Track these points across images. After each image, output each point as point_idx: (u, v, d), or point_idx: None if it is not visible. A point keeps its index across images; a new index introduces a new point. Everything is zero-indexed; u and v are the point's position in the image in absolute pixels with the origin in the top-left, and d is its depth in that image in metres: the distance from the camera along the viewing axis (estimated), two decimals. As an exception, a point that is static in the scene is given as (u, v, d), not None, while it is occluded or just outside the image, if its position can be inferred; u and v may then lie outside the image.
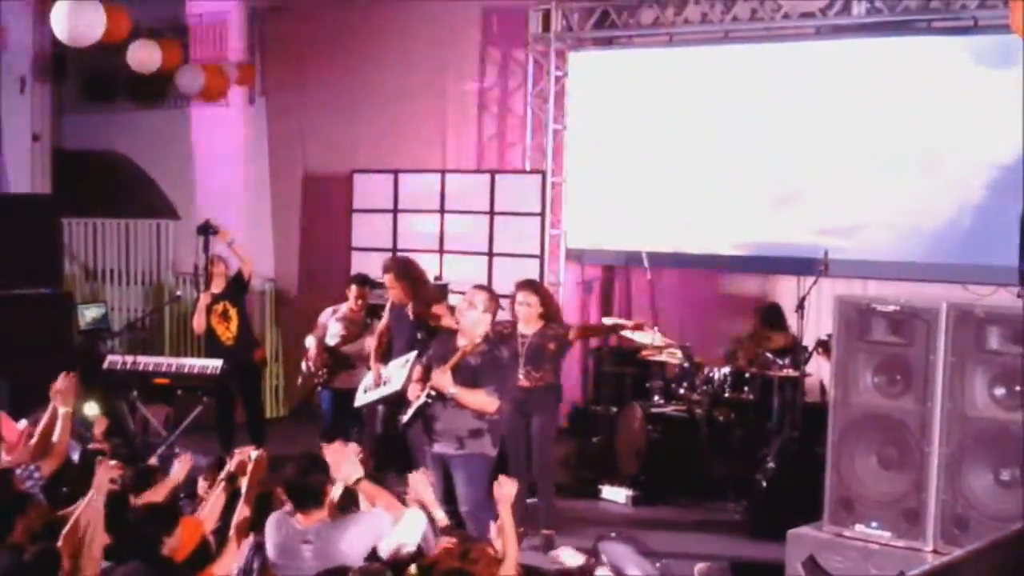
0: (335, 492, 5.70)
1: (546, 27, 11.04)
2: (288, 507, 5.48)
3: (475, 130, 11.67)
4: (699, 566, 6.69)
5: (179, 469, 6.45)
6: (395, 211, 11.38)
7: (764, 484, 8.21)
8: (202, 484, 6.45)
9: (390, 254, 10.45)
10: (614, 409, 9.71)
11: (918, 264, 9.25)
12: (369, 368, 8.66)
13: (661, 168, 10.51)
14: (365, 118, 11.99)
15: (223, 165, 12.81)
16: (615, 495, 9.07)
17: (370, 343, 8.85)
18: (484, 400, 6.68)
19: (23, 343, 9.87)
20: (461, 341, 6.78)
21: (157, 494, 6.16)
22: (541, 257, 10.60)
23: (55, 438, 6.50)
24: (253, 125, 12.80)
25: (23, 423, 7.12)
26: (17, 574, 5.17)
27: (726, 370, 9.10)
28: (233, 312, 9.75)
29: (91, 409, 8.26)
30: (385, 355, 8.57)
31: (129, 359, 9.92)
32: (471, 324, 6.78)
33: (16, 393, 9.04)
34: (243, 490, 5.72)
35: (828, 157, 9.70)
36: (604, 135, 10.90)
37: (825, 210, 9.73)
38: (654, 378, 9.56)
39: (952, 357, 6.21)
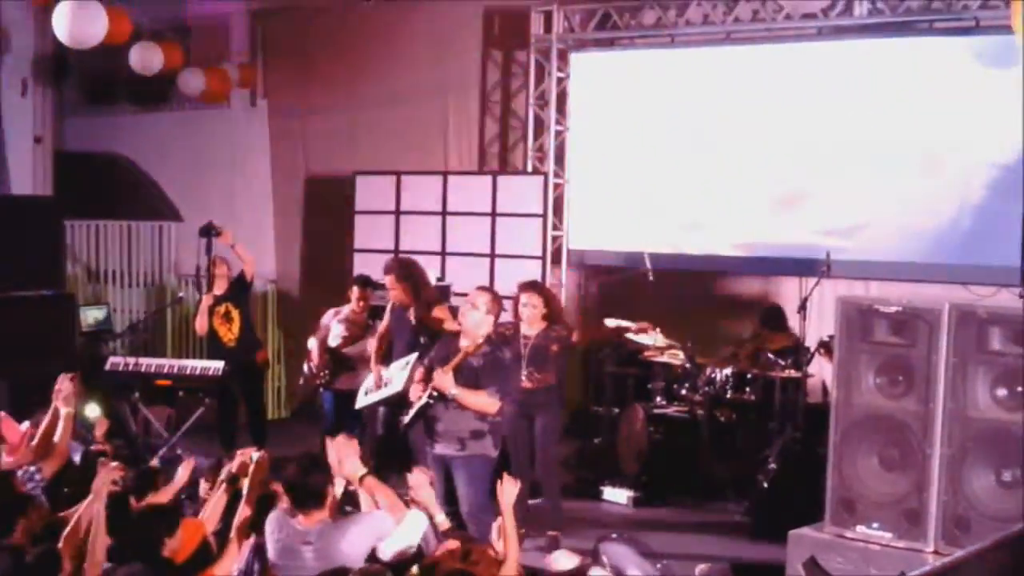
0: (338, 487, 5.70)
1: (548, 28, 11.04)
2: (285, 503, 5.48)
3: (477, 131, 11.67)
4: (700, 567, 6.68)
5: (183, 473, 6.44)
6: (397, 213, 11.38)
7: (765, 485, 8.21)
8: (204, 485, 6.45)
9: (392, 256, 10.45)
10: (616, 410, 9.72)
11: (920, 265, 9.24)
12: (370, 370, 8.65)
13: (663, 169, 10.51)
14: (367, 120, 11.99)
15: (225, 167, 12.83)
16: (616, 496, 9.07)
17: (372, 345, 8.84)
18: (486, 401, 6.68)
19: (25, 344, 9.89)
20: (463, 342, 6.79)
21: (162, 498, 6.16)
22: (543, 258, 10.60)
23: (56, 439, 6.51)
24: (255, 127, 12.81)
25: (26, 425, 7.13)
26: (19, 575, 5.18)
27: (728, 371, 9.10)
28: (235, 313, 9.75)
29: (92, 410, 8.27)
30: (386, 357, 8.56)
31: (131, 360, 9.93)
32: (473, 325, 6.78)
33: (17, 394, 9.06)
34: (244, 491, 5.72)
35: (830, 158, 9.69)
36: (606, 136, 10.90)
37: (827, 211, 9.73)
38: (656, 379, 9.56)
39: (954, 358, 6.22)
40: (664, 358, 9.33)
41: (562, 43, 10.99)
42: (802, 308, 8.73)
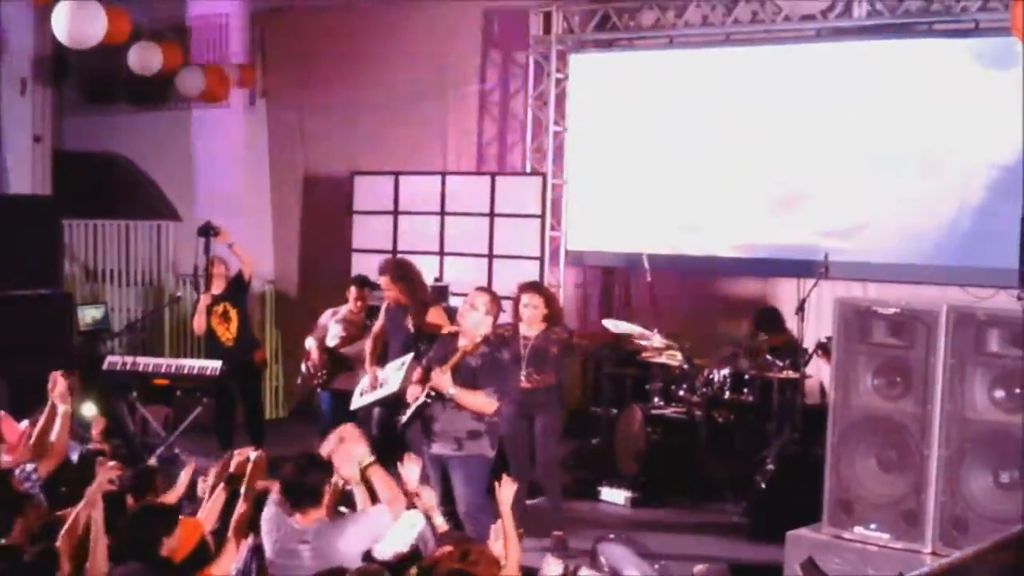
0: (349, 469, 5.65)
1: (547, 29, 11.04)
2: (276, 495, 5.47)
3: (476, 132, 11.67)
4: (698, 568, 6.68)
5: (184, 478, 6.42)
6: (395, 213, 11.39)
7: (763, 486, 8.21)
8: (201, 485, 6.44)
9: (390, 256, 10.46)
10: (614, 411, 9.71)
11: (918, 266, 9.25)
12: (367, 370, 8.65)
13: (661, 170, 10.51)
14: (366, 120, 11.99)
15: (223, 167, 12.81)
16: (614, 496, 9.07)
17: (367, 345, 8.83)
18: (483, 401, 6.68)
19: (23, 343, 9.88)
20: (462, 342, 6.79)
21: (166, 501, 6.16)
22: (541, 259, 10.60)
23: (53, 437, 6.51)
24: (253, 127, 12.80)
25: (24, 423, 7.12)
26: (17, 574, 5.17)
27: (726, 372, 9.11)
28: (233, 313, 9.75)
29: (89, 410, 8.27)
30: (381, 358, 8.56)
31: (129, 360, 9.92)
32: (472, 326, 6.78)
33: (16, 393, 9.05)
34: (242, 491, 5.72)
35: (829, 159, 9.70)
36: (605, 137, 10.90)
37: (825, 212, 9.73)
38: (654, 380, 9.56)
39: (952, 359, 6.22)
40: (662, 359, 9.33)
41: (561, 44, 10.99)
42: (800, 309, 8.74)
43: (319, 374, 9.40)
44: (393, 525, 5.44)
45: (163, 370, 9.78)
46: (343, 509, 5.76)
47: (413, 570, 5.08)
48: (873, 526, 6.44)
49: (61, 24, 9.95)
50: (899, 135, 9.35)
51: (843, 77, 9.63)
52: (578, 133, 11.04)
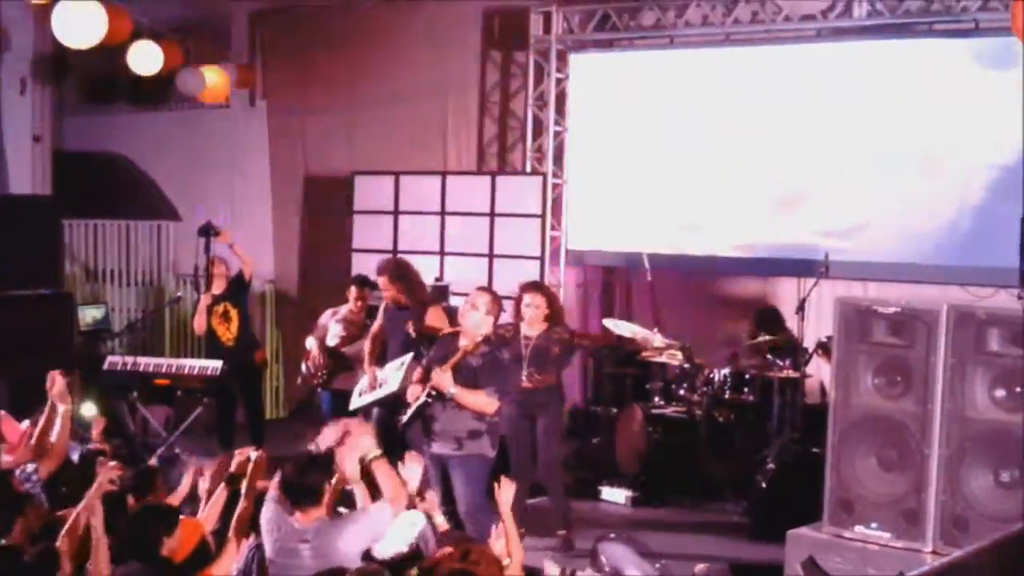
0: (347, 466, 5.65)
1: (547, 29, 11.04)
2: (274, 492, 5.47)
3: (476, 132, 11.66)
4: (699, 567, 6.69)
5: (186, 482, 6.42)
6: (396, 212, 11.38)
7: (764, 485, 8.21)
8: (202, 485, 6.44)
9: (390, 255, 10.46)
10: (614, 410, 9.71)
11: (918, 266, 9.25)
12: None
13: (662, 170, 10.51)
14: (366, 120, 11.99)
15: (224, 167, 12.82)
16: (615, 496, 9.08)
17: (366, 346, 8.82)
18: (484, 401, 6.69)
19: (24, 343, 9.88)
20: (463, 342, 6.79)
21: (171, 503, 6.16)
22: (541, 259, 10.59)
23: (53, 438, 6.51)
24: (254, 127, 12.81)
25: (25, 424, 7.12)
26: (17, 574, 5.17)
27: (726, 371, 9.11)
28: (234, 313, 9.75)
29: (88, 410, 8.27)
30: (380, 358, 8.55)
31: (129, 360, 9.92)
32: (473, 326, 6.78)
33: (16, 393, 9.05)
34: (243, 491, 5.72)
35: (829, 159, 9.70)
36: (605, 137, 10.90)
37: (826, 212, 9.73)
38: (654, 379, 9.56)
39: (952, 359, 6.22)
40: (663, 358, 9.33)
41: (561, 44, 10.99)
42: (800, 309, 8.74)
43: (319, 374, 9.40)
44: (393, 523, 5.44)
45: (163, 370, 9.78)
46: (342, 510, 5.75)
47: (414, 571, 5.08)
48: (874, 525, 6.44)
49: (61, 24, 9.95)
50: (899, 135, 9.35)
51: (843, 77, 9.63)
52: (578, 133, 11.04)
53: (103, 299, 12.61)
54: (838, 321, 6.65)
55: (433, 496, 5.99)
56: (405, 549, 5.34)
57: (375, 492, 5.66)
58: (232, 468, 5.96)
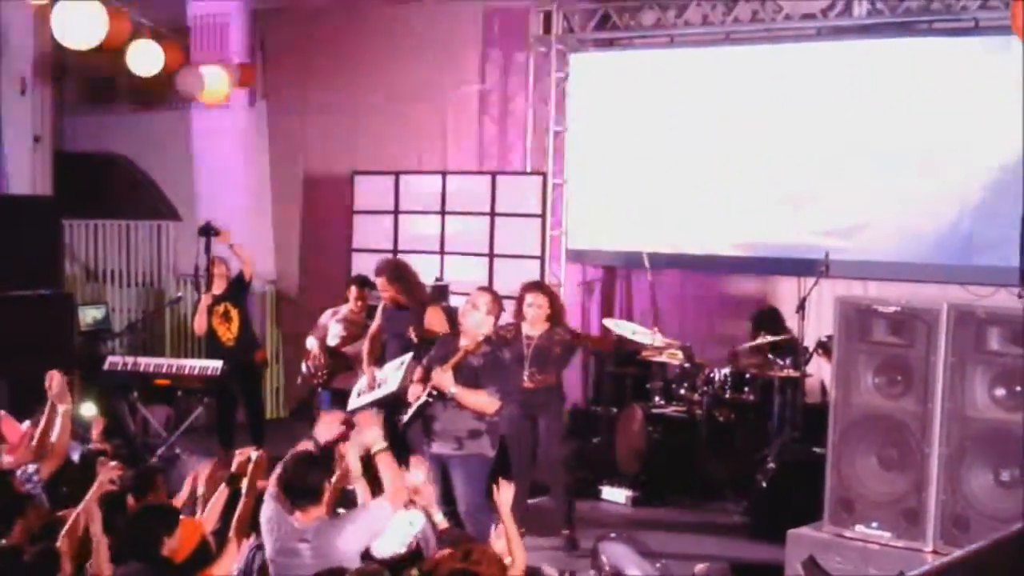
0: (351, 458, 5.65)
1: (547, 29, 11.03)
2: (273, 489, 5.47)
3: (476, 131, 11.66)
4: (699, 567, 6.69)
5: (186, 489, 6.40)
6: (396, 212, 11.39)
7: (764, 485, 8.21)
8: (199, 489, 6.44)
9: (388, 256, 10.46)
10: (614, 410, 9.71)
11: (918, 265, 9.24)
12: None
13: (662, 169, 10.51)
14: (366, 119, 11.99)
15: (224, 167, 12.81)
16: (615, 496, 9.08)
17: (364, 346, 8.79)
18: (485, 401, 6.69)
19: (24, 343, 9.88)
20: (463, 342, 6.79)
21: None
22: (542, 258, 10.60)
23: (54, 438, 6.51)
24: (254, 127, 12.80)
25: (26, 424, 7.13)
26: (18, 574, 5.17)
27: (726, 371, 9.11)
28: (234, 313, 9.76)
29: (88, 410, 8.27)
30: (379, 358, 8.54)
31: (129, 360, 9.94)
32: (474, 326, 6.78)
33: (16, 393, 9.05)
34: (243, 491, 5.72)
35: (829, 158, 9.69)
36: (605, 136, 10.90)
37: (826, 211, 9.73)
38: (654, 379, 9.56)
39: (952, 358, 6.22)
40: (663, 358, 9.33)
41: (561, 43, 10.98)
42: (801, 308, 8.74)
43: (320, 374, 9.40)
44: (392, 521, 5.44)
45: (164, 370, 9.79)
46: (341, 511, 5.76)
47: (414, 571, 5.08)
48: (874, 524, 6.44)
49: (61, 24, 9.95)
50: (899, 134, 9.35)
51: (843, 76, 9.63)
52: (578, 132, 11.03)
53: (103, 299, 12.60)
54: (838, 320, 6.65)
55: (430, 490, 5.98)
56: (403, 549, 5.34)
57: (376, 489, 5.67)
58: (232, 468, 5.96)
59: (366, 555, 5.31)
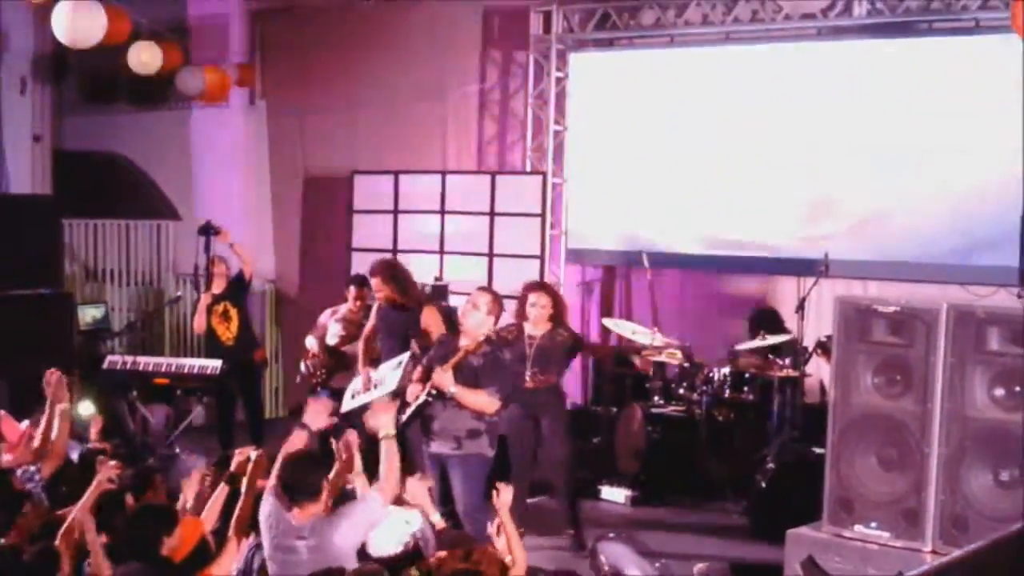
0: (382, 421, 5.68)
1: (547, 28, 11.04)
2: (273, 486, 5.48)
3: (476, 131, 11.66)
4: (698, 566, 6.68)
5: (187, 494, 6.38)
6: (395, 212, 11.38)
7: (763, 484, 8.20)
8: (206, 480, 6.44)
9: (389, 255, 10.46)
10: (614, 409, 9.71)
11: (918, 265, 9.24)
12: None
13: (661, 169, 10.50)
14: (366, 119, 11.99)
15: (223, 166, 12.82)
16: (614, 495, 9.08)
17: (359, 347, 8.76)
18: (485, 401, 6.68)
19: (23, 343, 9.88)
20: (463, 342, 6.78)
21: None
22: (541, 258, 10.59)
23: (53, 437, 6.51)
24: (253, 126, 12.81)
25: (25, 423, 7.13)
26: (17, 574, 5.18)
27: (726, 370, 9.11)
28: (233, 312, 9.76)
29: (86, 409, 8.27)
30: (374, 359, 8.52)
31: (129, 359, 9.94)
32: (474, 326, 6.77)
33: (16, 393, 9.06)
34: (243, 490, 5.72)
35: (829, 158, 9.69)
36: (605, 136, 10.90)
37: (826, 211, 9.73)
38: (654, 378, 9.56)
39: (952, 358, 6.22)
40: (662, 358, 9.33)
41: (561, 43, 10.98)
42: (800, 308, 8.74)
43: (319, 373, 9.40)
44: (388, 518, 5.44)
45: (163, 369, 9.79)
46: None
47: (414, 570, 5.09)
48: (873, 524, 6.44)
49: (61, 24, 9.95)
50: (899, 134, 9.34)
51: (843, 76, 9.63)
52: (578, 132, 11.03)
53: (103, 299, 12.61)
54: (838, 320, 6.65)
55: (423, 489, 5.99)
56: (400, 549, 5.34)
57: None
58: (232, 467, 5.96)
59: (363, 555, 5.31)
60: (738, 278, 10.47)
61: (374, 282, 8.53)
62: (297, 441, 5.99)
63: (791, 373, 8.70)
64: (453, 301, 9.79)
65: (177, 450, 9.42)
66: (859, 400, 6.53)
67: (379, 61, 11.81)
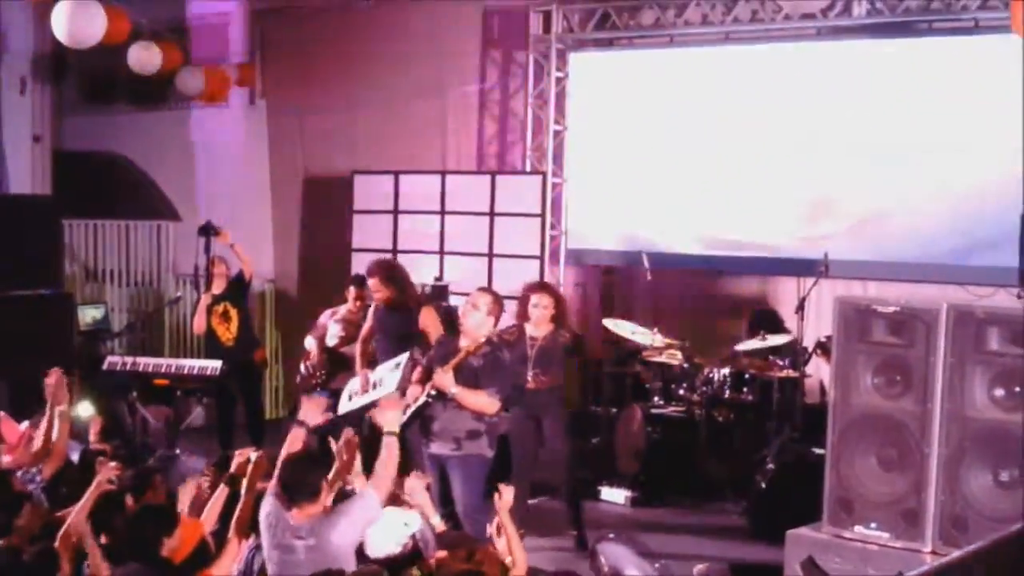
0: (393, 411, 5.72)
1: (547, 28, 11.04)
2: (274, 486, 5.48)
3: (475, 131, 11.66)
4: (698, 567, 6.67)
5: (183, 501, 6.37)
6: (395, 212, 11.38)
7: (763, 485, 8.20)
8: (202, 485, 6.44)
9: (389, 255, 10.46)
10: (613, 410, 9.71)
11: (918, 265, 9.25)
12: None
13: (661, 169, 10.51)
14: (365, 119, 11.99)
15: (223, 166, 12.82)
16: (614, 496, 9.07)
17: (356, 348, 8.75)
18: (485, 401, 6.67)
19: (23, 343, 9.88)
20: (463, 342, 6.78)
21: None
22: (541, 258, 10.59)
23: (54, 438, 6.51)
24: (253, 126, 12.81)
25: (25, 424, 7.12)
26: (16, 574, 5.18)
27: (726, 371, 9.11)
28: (233, 313, 9.75)
29: (86, 410, 8.26)
30: (372, 360, 8.51)
31: (129, 360, 9.91)
32: (474, 326, 6.77)
33: (16, 393, 9.06)
34: (243, 491, 5.72)
35: (828, 158, 9.70)
36: (605, 136, 10.90)
37: (825, 211, 9.73)
38: (654, 379, 9.55)
39: (952, 358, 6.22)
40: (662, 358, 9.33)
41: (561, 43, 10.99)
42: (800, 308, 8.74)
43: (318, 374, 9.39)
44: (386, 515, 5.44)
45: (163, 370, 9.77)
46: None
47: (415, 571, 5.09)
48: (873, 525, 6.44)
49: (61, 24, 9.95)
50: (899, 134, 9.35)
51: (843, 76, 9.64)
52: (578, 132, 11.04)
53: (103, 299, 12.61)
54: (837, 320, 6.65)
55: (424, 491, 5.99)
56: (398, 549, 5.34)
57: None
58: (232, 468, 5.96)
59: (362, 556, 5.31)
60: (738, 278, 10.48)
61: (371, 282, 8.53)
62: (297, 441, 6.00)
63: (791, 373, 8.70)
64: (453, 301, 9.79)
65: (177, 451, 9.41)
66: (859, 400, 6.52)
67: (379, 61, 11.81)
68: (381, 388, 7.97)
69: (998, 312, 6.27)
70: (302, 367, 9.59)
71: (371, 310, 8.68)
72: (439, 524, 5.84)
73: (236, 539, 5.56)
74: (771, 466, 8.25)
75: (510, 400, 7.14)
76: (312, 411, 6.16)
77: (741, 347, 9.18)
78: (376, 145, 11.86)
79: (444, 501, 6.69)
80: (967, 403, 6.19)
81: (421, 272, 10.34)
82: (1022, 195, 8.40)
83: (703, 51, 10.48)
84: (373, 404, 8.01)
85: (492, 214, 10.86)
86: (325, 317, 9.68)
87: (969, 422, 6.18)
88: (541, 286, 8.22)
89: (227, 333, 9.73)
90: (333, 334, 9.48)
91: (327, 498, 5.54)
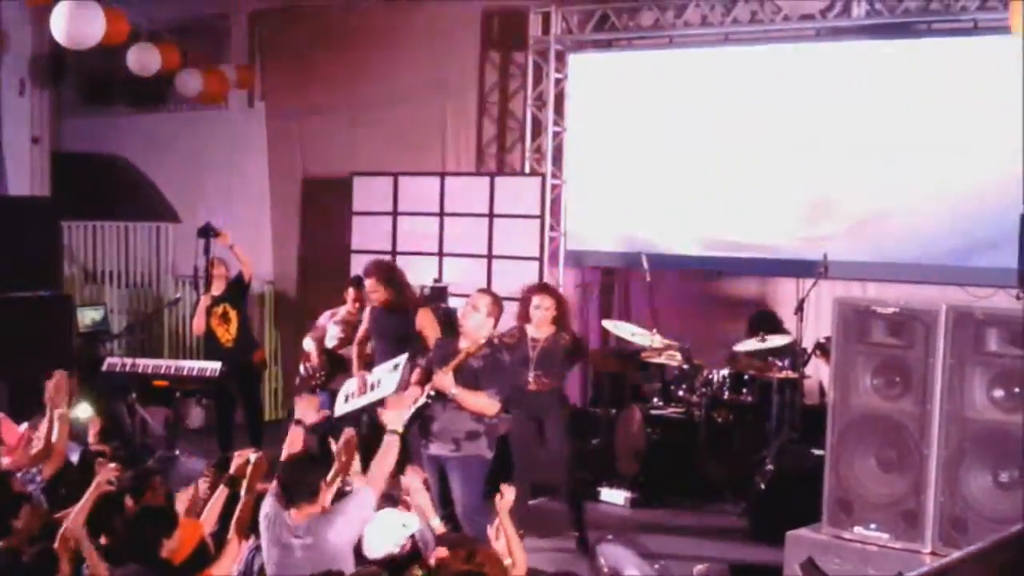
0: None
1: (546, 29, 11.03)
2: (275, 487, 5.48)
3: (475, 132, 11.65)
4: (698, 568, 6.69)
5: (180, 506, 6.36)
6: (395, 213, 11.37)
7: (763, 486, 8.20)
8: (202, 486, 6.44)
9: (388, 257, 10.45)
10: (613, 411, 9.71)
11: (917, 266, 9.24)
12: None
13: (661, 170, 10.50)
14: (365, 121, 11.98)
15: (223, 168, 12.82)
16: (614, 497, 9.07)
17: (353, 350, 8.75)
18: (485, 403, 6.68)
19: (23, 345, 9.89)
20: (463, 343, 6.78)
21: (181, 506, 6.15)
22: (540, 259, 10.59)
23: (53, 440, 6.51)
24: (253, 127, 12.80)
25: (24, 426, 7.12)
26: (16, 575, 5.18)
27: (725, 372, 9.11)
28: (233, 314, 9.75)
29: (84, 411, 8.26)
30: (369, 362, 8.50)
31: (128, 361, 9.93)
32: (474, 327, 6.78)
33: (16, 395, 9.07)
34: (242, 492, 5.72)
35: (827, 159, 9.69)
36: (604, 137, 10.89)
37: (825, 212, 9.73)
38: (653, 380, 9.55)
39: (951, 359, 6.22)
40: (662, 359, 9.33)
41: (560, 44, 10.98)
42: (799, 309, 8.74)
43: (317, 375, 9.39)
44: (384, 516, 5.45)
45: (163, 371, 9.77)
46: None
47: (417, 571, 5.09)
48: (873, 526, 6.44)
49: (60, 25, 9.95)
50: (898, 134, 9.35)
51: (842, 77, 9.63)
52: (577, 133, 11.03)
53: (102, 301, 12.61)
54: (837, 321, 6.65)
55: (426, 498, 5.99)
56: (396, 550, 5.34)
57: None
58: (231, 470, 5.96)
59: (360, 557, 5.31)
60: (737, 279, 10.48)
61: (368, 283, 8.52)
62: (297, 440, 6.00)
63: (790, 374, 8.70)
64: (452, 303, 9.79)
65: (176, 452, 9.41)
66: (858, 401, 6.53)
67: (379, 62, 11.80)
68: (380, 389, 7.97)
69: (997, 313, 6.27)
70: (301, 368, 9.59)
71: (367, 311, 8.67)
72: (439, 526, 5.84)
73: (236, 540, 5.56)
74: (771, 467, 8.25)
75: (510, 401, 7.13)
76: (307, 409, 6.18)
77: (740, 348, 9.17)
78: (375, 147, 11.85)
79: (443, 502, 6.70)
80: (966, 404, 6.19)
81: (420, 274, 10.35)
82: (1022, 195, 8.39)
83: (702, 52, 10.47)
84: (371, 405, 8.05)
85: (491, 215, 10.86)
86: (324, 318, 9.68)
87: (968, 423, 6.19)
88: (542, 288, 8.22)
89: (226, 334, 9.73)
90: (332, 335, 9.48)
91: (326, 498, 5.54)
